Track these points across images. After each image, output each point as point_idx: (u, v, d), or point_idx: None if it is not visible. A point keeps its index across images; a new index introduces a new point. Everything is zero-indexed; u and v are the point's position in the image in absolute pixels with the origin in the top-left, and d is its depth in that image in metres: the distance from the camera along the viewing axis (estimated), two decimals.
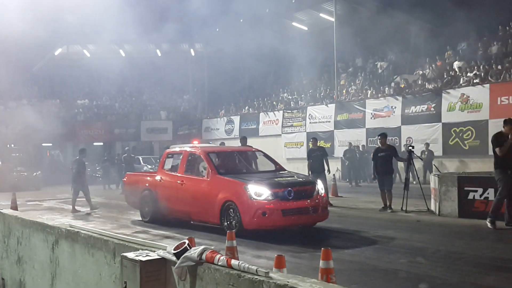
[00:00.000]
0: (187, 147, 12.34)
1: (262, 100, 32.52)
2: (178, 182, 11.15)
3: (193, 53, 37.76)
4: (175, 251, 3.34)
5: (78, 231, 4.86)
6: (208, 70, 36.77)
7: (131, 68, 33.85)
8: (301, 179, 10.57)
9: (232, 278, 2.88)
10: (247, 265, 2.83)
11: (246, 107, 33.21)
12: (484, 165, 18.83)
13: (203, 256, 3.16)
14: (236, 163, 11.65)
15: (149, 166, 27.75)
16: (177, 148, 12.78)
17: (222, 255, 3.12)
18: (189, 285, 3.26)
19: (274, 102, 31.67)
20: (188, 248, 3.30)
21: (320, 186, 10.24)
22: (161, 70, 35.42)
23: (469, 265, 7.11)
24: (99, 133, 33.69)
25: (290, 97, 31.19)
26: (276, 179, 10.12)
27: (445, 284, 6.12)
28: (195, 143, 14.93)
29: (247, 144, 15.16)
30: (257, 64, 31.86)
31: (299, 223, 9.83)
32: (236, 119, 32.92)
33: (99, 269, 4.37)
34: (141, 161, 28.45)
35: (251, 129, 30.82)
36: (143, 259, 3.46)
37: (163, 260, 3.48)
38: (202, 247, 3.23)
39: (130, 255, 3.58)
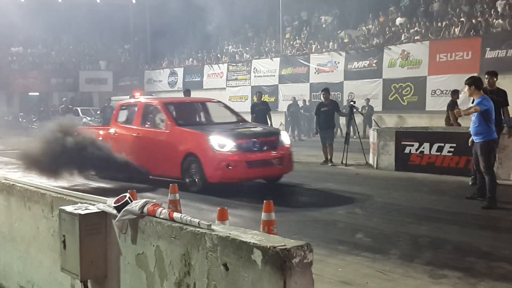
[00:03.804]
0: (142, 98, 11.79)
1: (207, 52, 31.98)
2: (134, 135, 10.65)
3: (134, 0, 36.35)
4: (115, 204, 3.28)
5: (13, 184, 4.68)
6: (150, 19, 35.60)
7: (68, 15, 32.26)
8: (265, 130, 10.36)
9: (174, 231, 2.87)
10: (189, 218, 2.82)
11: (190, 59, 32.60)
12: (421, 120, 19.59)
13: (145, 209, 3.12)
14: (195, 114, 11.16)
15: (89, 118, 27.08)
16: (131, 100, 12.17)
17: (164, 208, 3.09)
18: (130, 238, 3.23)
19: (219, 55, 31.23)
20: (129, 201, 3.24)
21: (284, 136, 10.04)
22: (101, 18, 33.96)
23: (404, 215, 7.45)
24: (35, 83, 32.26)
25: (235, 50, 30.83)
26: (239, 130, 9.79)
27: (380, 234, 6.40)
28: (137, 95, 14.52)
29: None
30: (201, 14, 31.08)
31: (265, 175, 9.64)
32: (180, 71, 32.33)
33: (37, 222, 4.25)
34: (80, 113, 27.70)
35: (195, 82, 30.41)
36: (82, 212, 3.38)
37: (103, 213, 3.41)
38: (144, 200, 3.19)
39: (69, 208, 3.48)
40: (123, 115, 11.51)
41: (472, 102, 7.97)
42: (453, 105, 13.87)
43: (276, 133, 10.12)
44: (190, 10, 31.14)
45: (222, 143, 9.05)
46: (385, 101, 22.32)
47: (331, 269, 5.05)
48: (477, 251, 5.60)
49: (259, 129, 10.27)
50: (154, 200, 3.21)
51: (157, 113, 10.45)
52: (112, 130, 11.34)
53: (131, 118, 11.12)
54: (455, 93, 14.43)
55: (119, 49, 37.25)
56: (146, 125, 10.62)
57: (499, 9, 20.27)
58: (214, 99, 12.53)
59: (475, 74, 18.36)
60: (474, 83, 7.79)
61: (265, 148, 9.39)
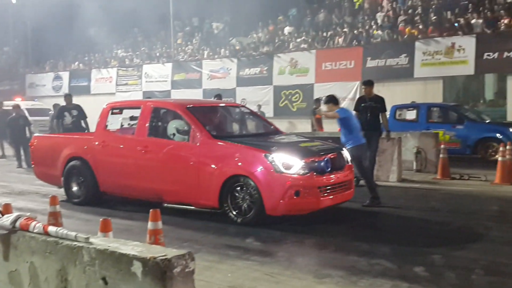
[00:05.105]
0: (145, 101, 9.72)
1: (94, 55, 30.83)
2: (139, 148, 8.05)
3: (14, 1, 34.09)
4: None
5: None
6: (32, 20, 33.56)
7: None
8: (328, 145, 8.03)
9: (49, 246, 2.72)
10: (65, 231, 2.69)
11: (76, 63, 31.21)
12: (309, 126, 20.37)
13: (17, 224, 2.93)
14: (225, 123, 9.06)
15: None
16: (129, 101, 10.17)
17: (39, 222, 2.92)
18: (1, 255, 3.01)
19: (107, 59, 30.24)
20: (0, 216, 3.02)
21: (346, 153, 8.00)
22: None
23: (290, 219, 7.68)
24: None
25: (124, 54, 30.02)
26: (301, 145, 7.68)
27: (269, 238, 6.54)
28: (18, 100, 13.57)
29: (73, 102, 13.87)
30: (87, 16, 29.90)
31: (335, 203, 7.44)
32: (65, 75, 30.81)
33: None
34: None
35: (82, 87, 29.20)
36: None
37: None
38: (16, 214, 2.99)
39: None
40: (115, 121, 8.97)
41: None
42: (314, 112, 16.10)
43: (339, 148, 8.00)
44: (75, 11, 29.79)
45: (288, 163, 6.92)
46: (276, 107, 22.99)
47: (220, 275, 5.06)
48: (358, 250, 5.91)
49: (319, 143, 8.05)
50: (28, 214, 3.04)
51: (174, 120, 8.03)
52: (97, 141, 8.61)
53: (131, 125, 8.82)
54: (317, 102, 16.73)
55: None
56: (155, 136, 8.17)
57: (378, 21, 21.74)
58: (236, 103, 10.61)
59: (358, 82, 19.67)
60: (331, 100, 8.52)
61: (335, 168, 7.39)
